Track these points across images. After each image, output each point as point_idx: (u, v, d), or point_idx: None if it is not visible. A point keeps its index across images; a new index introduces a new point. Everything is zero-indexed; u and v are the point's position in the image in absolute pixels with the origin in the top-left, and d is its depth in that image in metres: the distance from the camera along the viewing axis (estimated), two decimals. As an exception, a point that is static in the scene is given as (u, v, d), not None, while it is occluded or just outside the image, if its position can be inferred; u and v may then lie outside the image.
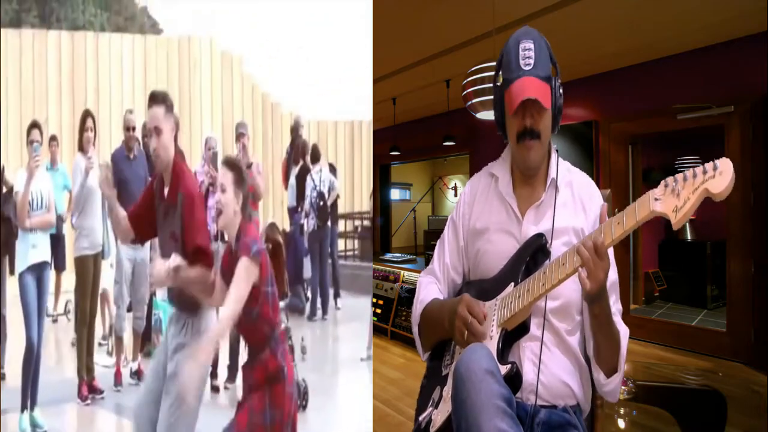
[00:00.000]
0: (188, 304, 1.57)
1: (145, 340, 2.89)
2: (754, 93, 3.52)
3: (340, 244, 4.78)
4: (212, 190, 2.76)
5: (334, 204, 3.94)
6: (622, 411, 2.58)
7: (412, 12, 3.26)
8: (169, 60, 4.78)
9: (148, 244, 2.76)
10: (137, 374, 2.75)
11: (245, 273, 1.41)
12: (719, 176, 0.82)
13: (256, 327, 1.45)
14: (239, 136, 2.99)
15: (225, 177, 1.45)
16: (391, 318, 4.43)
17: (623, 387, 2.38)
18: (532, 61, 1.11)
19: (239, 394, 2.66)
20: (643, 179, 5.11)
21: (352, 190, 5.56)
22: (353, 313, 3.86)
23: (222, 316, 1.39)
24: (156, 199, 1.61)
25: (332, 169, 3.97)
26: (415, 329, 1.29)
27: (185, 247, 1.52)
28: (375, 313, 4.59)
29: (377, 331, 4.50)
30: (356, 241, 5.11)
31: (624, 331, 1.10)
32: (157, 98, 1.54)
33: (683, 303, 5.20)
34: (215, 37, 4.91)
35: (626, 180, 4.53)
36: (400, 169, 9.34)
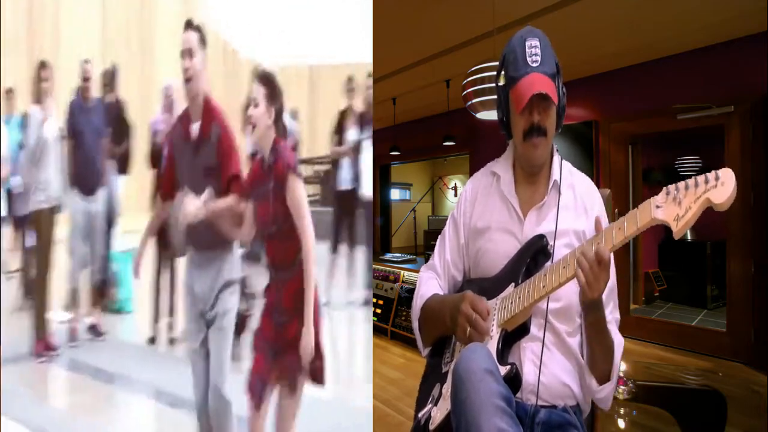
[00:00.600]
0: (213, 243, 1.59)
1: (102, 294, 2.84)
2: (754, 93, 3.52)
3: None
4: (168, 139, 2.72)
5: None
6: (622, 411, 2.58)
7: (412, 12, 3.26)
8: (129, 9, 4.67)
9: (101, 195, 2.72)
10: (93, 329, 2.70)
11: (302, 192, 1.44)
12: (721, 186, 0.82)
13: (286, 245, 1.44)
14: None
15: (258, 91, 1.47)
16: (391, 318, 4.43)
17: (623, 387, 2.38)
18: (539, 59, 1.10)
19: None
20: (643, 179, 5.12)
21: (314, 135, 5.51)
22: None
23: (307, 246, 1.43)
24: (177, 144, 1.62)
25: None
26: (416, 324, 1.29)
27: (222, 177, 1.54)
28: (375, 313, 4.59)
29: (377, 331, 4.50)
30: (318, 186, 5.06)
31: (619, 340, 1.10)
32: (192, 24, 1.58)
33: (683, 303, 5.20)
34: None
35: (626, 180, 4.53)
36: (400, 169, 9.33)
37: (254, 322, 1.56)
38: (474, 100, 2.80)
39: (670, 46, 3.89)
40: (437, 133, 5.80)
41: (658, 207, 0.89)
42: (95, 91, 2.76)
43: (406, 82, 4.92)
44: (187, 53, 1.57)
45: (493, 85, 2.62)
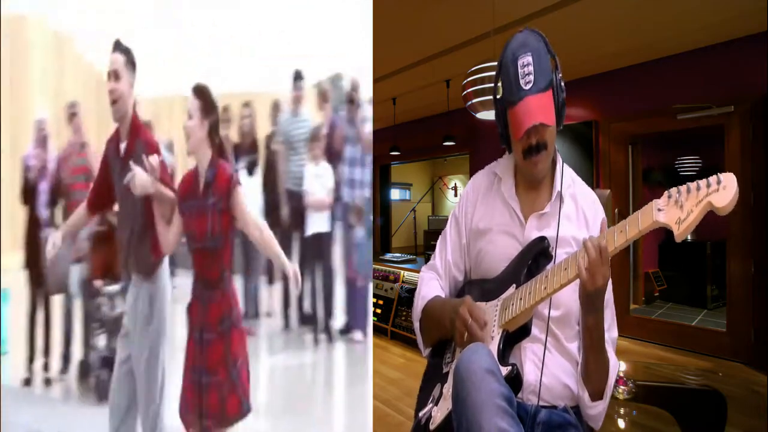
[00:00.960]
0: (145, 267, 1.61)
1: None
2: (754, 93, 3.52)
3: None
4: (43, 174, 2.67)
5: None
6: (622, 411, 2.58)
7: (412, 12, 3.26)
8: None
9: None
10: None
11: (244, 200, 1.51)
12: (723, 190, 0.82)
13: (215, 260, 1.50)
14: (71, 116, 2.81)
15: (192, 104, 1.51)
16: (391, 318, 4.43)
17: (623, 387, 2.38)
18: (532, 77, 1.08)
19: (74, 386, 2.56)
20: (643, 179, 5.11)
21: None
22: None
23: (278, 252, 1.52)
24: (111, 160, 1.66)
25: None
26: (417, 325, 1.29)
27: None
28: (375, 313, 4.59)
29: (377, 331, 4.50)
30: None
31: (614, 362, 1.09)
32: (119, 46, 1.61)
33: (683, 303, 5.20)
34: (49, 17, 4.75)
35: (626, 180, 4.53)
36: (400, 169, 9.33)
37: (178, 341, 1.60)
38: (474, 100, 2.80)
39: (670, 46, 3.89)
40: (437, 133, 5.80)
41: (659, 210, 0.89)
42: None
43: (406, 82, 4.91)
44: (112, 75, 1.59)
45: (493, 84, 2.62)
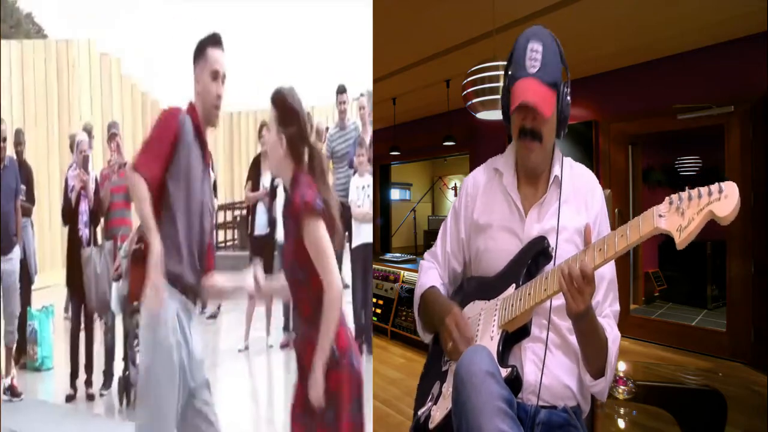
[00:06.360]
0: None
1: (19, 353, 2.82)
2: (754, 93, 3.52)
3: (220, 234, 4.95)
4: (84, 194, 2.72)
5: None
6: (622, 411, 2.58)
7: (412, 12, 3.26)
8: (47, 63, 4.72)
9: (17, 253, 2.68)
10: (11, 390, 2.64)
11: (320, 232, 1.24)
12: (725, 199, 0.82)
13: (310, 294, 1.25)
14: (111, 136, 2.86)
15: (271, 114, 1.33)
16: (391, 318, 4.43)
17: (623, 387, 2.38)
18: (538, 64, 1.11)
19: (116, 401, 2.62)
20: (643, 179, 5.11)
21: (231, 181, 5.67)
22: (232, 304, 3.77)
23: (329, 291, 1.22)
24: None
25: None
26: (416, 310, 1.32)
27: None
28: (375, 313, 4.59)
29: (377, 331, 4.49)
30: (236, 231, 5.19)
31: (614, 336, 1.09)
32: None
33: (683, 303, 5.20)
34: (94, 39, 4.92)
35: (626, 180, 4.53)
36: (400, 169, 9.33)
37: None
38: (474, 100, 2.79)
39: (670, 46, 3.88)
40: (437, 133, 5.79)
41: (660, 216, 0.89)
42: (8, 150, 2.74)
43: (406, 82, 4.91)
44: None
45: (493, 85, 2.62)
